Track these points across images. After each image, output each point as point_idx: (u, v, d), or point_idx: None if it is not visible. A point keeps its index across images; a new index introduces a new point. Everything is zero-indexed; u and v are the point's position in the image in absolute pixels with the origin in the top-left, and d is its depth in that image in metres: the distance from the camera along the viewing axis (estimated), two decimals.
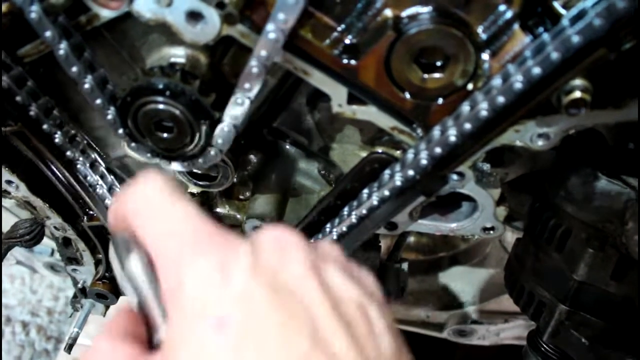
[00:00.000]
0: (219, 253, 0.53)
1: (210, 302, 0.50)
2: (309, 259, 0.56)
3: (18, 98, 0.89)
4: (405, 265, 1.30)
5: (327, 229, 1.03)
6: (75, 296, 1.40)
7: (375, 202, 0.93)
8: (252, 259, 0.53)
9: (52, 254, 1.78)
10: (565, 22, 0.69)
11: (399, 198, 0.92)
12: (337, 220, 1.02)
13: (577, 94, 0.72)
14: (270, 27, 0.74)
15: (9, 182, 1.08)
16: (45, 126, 0.93)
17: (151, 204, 0.57)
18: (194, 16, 0.77)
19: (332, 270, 0.57)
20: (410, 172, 0.87)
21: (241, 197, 1.19)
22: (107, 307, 1.42)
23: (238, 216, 1.20)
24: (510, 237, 1.44)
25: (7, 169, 1.06)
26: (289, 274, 0.53)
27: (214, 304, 0.50)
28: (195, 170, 1.06)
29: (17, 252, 1.76)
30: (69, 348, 1.34)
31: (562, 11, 0.74)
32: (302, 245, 0.57)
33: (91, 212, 1.11)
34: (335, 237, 1.01)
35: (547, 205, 1.11)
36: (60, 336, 2.28)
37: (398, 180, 0.89)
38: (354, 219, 0.98)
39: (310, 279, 0.54)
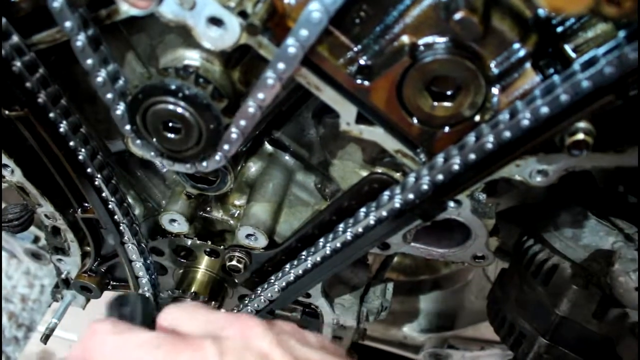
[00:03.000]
0: (188, 355, 0.59)
1: None
2: (270, 333, 0.64)
3: (28, 84, 0.88)
4: (390, 286, 1.31)
5: (321, 244, 1.04)
6: (57, 286, 1.39)
7: (372, 222, 0.95)
8: (217, 347, 0.60)
9: (34, 241, 1.76)
10: (576, 66, 0.71)
11: (395, 220, 0.93)
12: (331, 236, 1.03)
13: (581, 136, 0.74)
14: (290, 41, 0.76)
15: (5, 165, 1.08)
16: (51, 114, 0.93)
17: (109, 349, 0.63)
18: (215, 22, 0.78)
19: (292, 342, 0.65)
20: (410, 196, 0.89)
21: (237, 203, 1.19)
22: (87, 300, 1.41)
23: (231, 222, 1.21)
24: (494, 266, 1.47)
25: (4, 152, 1.05)
26: (254, 350, 0.61)
27: None
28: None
29: None
30: (46, 338, 1.33)
31: (573, 55, 0.76)
32: (261, 324, 0.65)
33: (86, 204, 1.10)
34: (328, 252, 1.02)
35: (535, 239, 1.13)
36: (32, 324, 2.24)
37: (397, 203, 0.90)
38: (348, 236, 0.99)
39: (275, 350, 0.62)
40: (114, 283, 1.35)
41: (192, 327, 0.67)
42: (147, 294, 1.25)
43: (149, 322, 0.72)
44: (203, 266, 1.26)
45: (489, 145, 0.79)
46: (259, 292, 1.19)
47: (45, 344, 1.34)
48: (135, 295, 0.77)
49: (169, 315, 0.71)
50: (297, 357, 0.63)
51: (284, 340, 0.65)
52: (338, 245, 1.01)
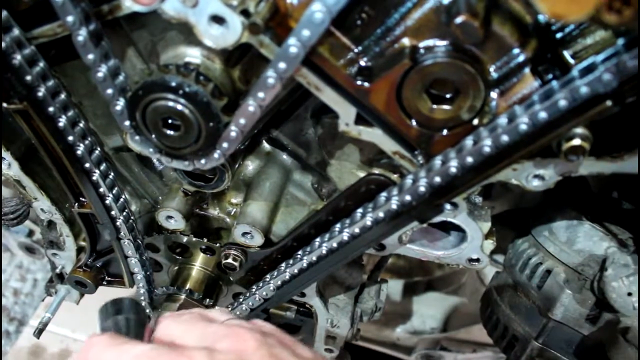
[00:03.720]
0: None
1: None
2: (264, 347, 0.65)
3: (28, 78, 0.88)
4: (385, 287, 1.31)
5: (317, 244, 1.04)
6: (51, 280, 1.39)
7: (368, 223, 0.95)
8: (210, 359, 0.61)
9: (28, 234, 1.76)
10: (575, 72, 0.72)
11: (392, 221, 0.94)
12: (327, 236, 1.03)
13: (577, 142, 0.75)
14: (292, 41, 0.76)
15: (1, 158, 1.08)
16: (50, 109, 0.92)
17: None
18: (217, 20, 0.78)
19: (285, 355, 0.66)
20: (407, 198, 0.89)
21: (233, 200, 1.20)
22: (81, 295, 1.41)
23: (227, 220, 1.21)
24: (488, 268, 1.48)
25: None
26: None
27: None
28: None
29: None
30: (39, 333, 1.32)
31: (571, 60, 0.77)
32: (254, 336, 0.66)
33: (82, 199, 1.10)
34: (324, 252, 1.02)
35: (530, 243, 1.14)
36: (24, 318, 2.23)
37: (394, 204, 0.91)
38: (345, 236, 0.99)
39: None
40: (109, 278, 1.35)
41: (188, 340, 0.69)
42: (142, 291, 1.25)
43: (142, 330, 0.74)
44: (198, 263, 1.27)
45: (487, 149, 0.79)
46: (254, 290, 1.20)
47: (39, 338, 1.34)
48: (129, 302, 0.77)
49: (166, 329, 0.73)
50: None
51: (277, 353, 0.65)
52: (334, 245, 1.01)
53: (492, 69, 0.79)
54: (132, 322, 0.74)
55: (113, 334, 0.69)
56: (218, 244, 1.20)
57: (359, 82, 0.82)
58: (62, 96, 0.94)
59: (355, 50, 0.81)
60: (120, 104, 0.89)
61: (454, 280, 1.75)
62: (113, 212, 1.11)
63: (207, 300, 1.26)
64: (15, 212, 1.22)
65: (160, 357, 0.62)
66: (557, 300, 1.05)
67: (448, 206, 0.93)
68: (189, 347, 0.64)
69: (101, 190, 1.06)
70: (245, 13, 0.77)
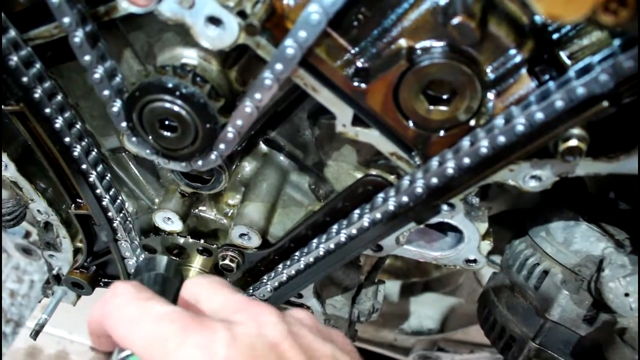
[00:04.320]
0: (199, 336, 0.59)
1: None
2: (282, 323, 0.64)
3: (24, 79, 0.88)
4: (382, 288, 1.31)
5: (314, 245, 1.04)
6: (47, 282, 1.38)
7: (365, 224, 0.95)
8: (229, 332, 0.59)
9: (25, 236, 1.76)
10: (571, 73, 0.72)
11: (389, 222, 0.94)
12: (324, 237, 1.03)
13: (574, 142, 0.75)
14: (288, 42, 0.76)
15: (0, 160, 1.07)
16: (47, 110, 0.92)
17: (126, 315, 0.63)
18: (214, 21, 0.78)
19: (304, 332, 0.65)
20: (405, 199, 0.89)
21: (230, 202, 1.19)
22: (78, 297, 1.40)
23: (224, 221, 1.21)
24: (485, 269, 1.48)
25: None
26: (265, 339, 0.61)
27: None
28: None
29: None
30: (36, 334, 1.32)
31: (568, 61, 0.77)
32: (274, 312, 0.65)
33: (79, 201, 1.10)
34: (321, 253, 1.02)
35: (527, 244, 1.14)
36: (21, 320, 2.23)
37: (391, 205, 0.91)
38: (342, 237, 0.99)
39: (285, 340, 0.62)
40: (106, 280, 1.35)
41: (210, 305, 0.68)
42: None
43: (171, 290, 0.72)
44: (195, 265, 1.26)
45: (484, 150, 0.79)
46: (251, 291, 1.19)
47: (35, 339, 1.33)
48: (164, 261, 0.75)
49: (193, 286, 0.71)
50: (307, 348, 0.62)
51: (295, 330, 0.64)
52: (331, 246, 1.01)
53: (488, 69, 0.79)
54: (159, 279, 0.72)
55: (139, 286, 0.67)
56: (215, 245, 1.20)
57: (355, 83, 0.82)
58: (59, 97, 0.94)
59: (352, 52, 0.81)
60: (117, 106, 0.89)
61: (452, 281, 1.75)
62: (110, 214, 1.11)
63: None
64: (12, 213, 1.22)
65: (182, 322, 0.60)
66: (554, 301, 1.05)
67: (445, 207, 0.93)
68: (210, 316, 0.63)
69: (98, 191, 1.05)
70: (241, 14, 0.77)
